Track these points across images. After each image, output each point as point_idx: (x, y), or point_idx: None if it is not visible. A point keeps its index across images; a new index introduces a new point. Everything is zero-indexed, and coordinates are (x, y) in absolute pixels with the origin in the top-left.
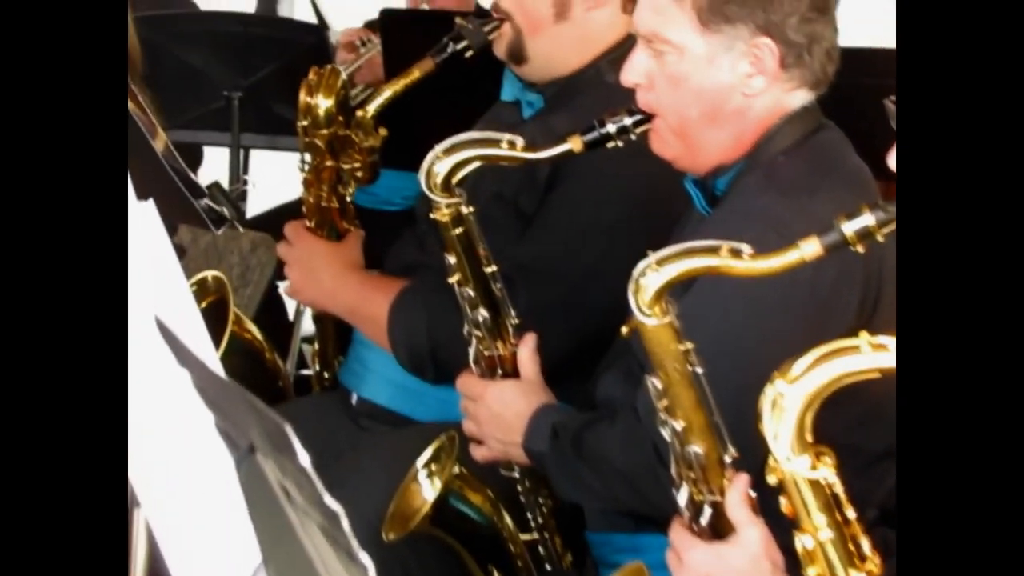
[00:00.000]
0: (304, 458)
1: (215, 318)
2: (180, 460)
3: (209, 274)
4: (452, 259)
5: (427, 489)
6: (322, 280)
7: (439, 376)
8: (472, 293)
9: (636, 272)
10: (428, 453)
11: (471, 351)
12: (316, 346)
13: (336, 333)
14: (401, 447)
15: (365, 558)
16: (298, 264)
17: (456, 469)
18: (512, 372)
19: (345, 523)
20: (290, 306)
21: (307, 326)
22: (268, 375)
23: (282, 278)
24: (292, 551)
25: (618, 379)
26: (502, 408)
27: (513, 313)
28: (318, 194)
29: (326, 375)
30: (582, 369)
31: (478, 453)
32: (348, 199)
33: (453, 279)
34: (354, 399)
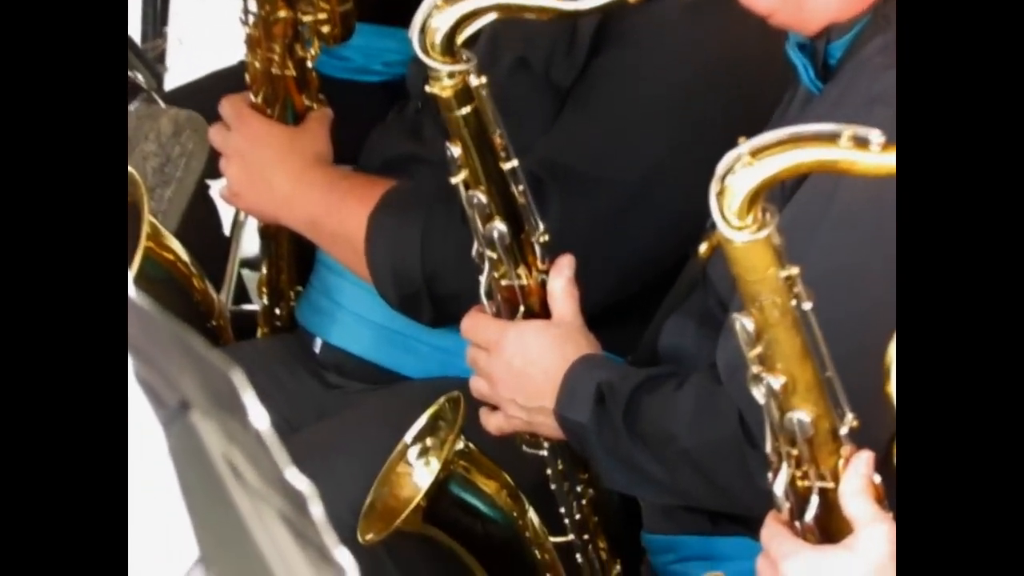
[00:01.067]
0: (259, 418)
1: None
2: None
3: None
4: (456, 151)
5: (420, 473)
6: (272, 180)
7: (437, 316)
8: (484, 199)
9: (721, 168)
10: (421, 423)
11: (482, 281)
12: (263, 272)
13: (292, 254)
14: (383, 415)
15: (343, 556)
16: (239, 157)
17: (460, 445)
18: (540, 310)
19: (315, 509)
20: (226, 216)
21: (250, 244)
22: (195, 310)
23: (216, 175)
24: (240, 546)
25: (688, 323)
26: (525, 360)
27: (541, 227)
28: (267, 57)
29: (278, 312)
30: (637, 308)
31: (491, 423)
32: (310, 65)
33: (458, 179)
34: (318, 346)
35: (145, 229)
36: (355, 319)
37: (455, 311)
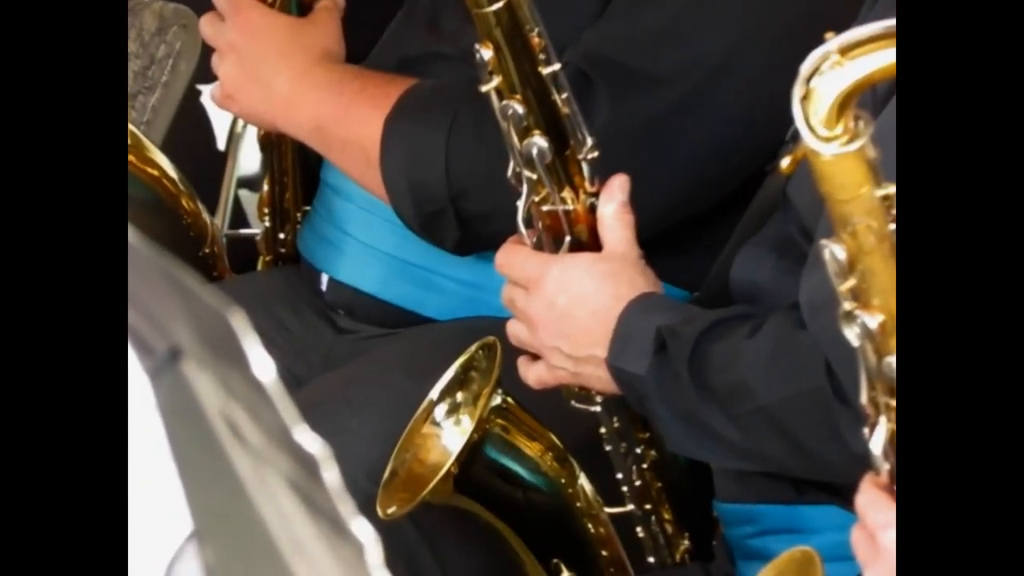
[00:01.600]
0: (263, 368)
1: None
2: None
3: None
4: (487, 54)
5: (450, 435)
6: (272, 79)
7: (465, 241)
8: (521, 109)
9: (806, 68)
10: (450, 374)
11: (520, 206)
12: (264, 189)
13: (298, 168)
14: (404, 364)
15: (363, 529)
16: (234, 52)
17: (497, 400)
18: (588, 240)
19: (329, 474)
20: (221, 125)
21: (249, 160)
22: (184, 236)
23: (208, 79)
24: (240, 518)
25: (766, 254)
26: (571, 300)
27: (589, 142)
28: None
29: (282, 236)
30: (703, 235)
31: (532, 374)
32: None
33: (489, 86)
34: (324, 283)
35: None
36: (366, 250)
37: (486, 235)
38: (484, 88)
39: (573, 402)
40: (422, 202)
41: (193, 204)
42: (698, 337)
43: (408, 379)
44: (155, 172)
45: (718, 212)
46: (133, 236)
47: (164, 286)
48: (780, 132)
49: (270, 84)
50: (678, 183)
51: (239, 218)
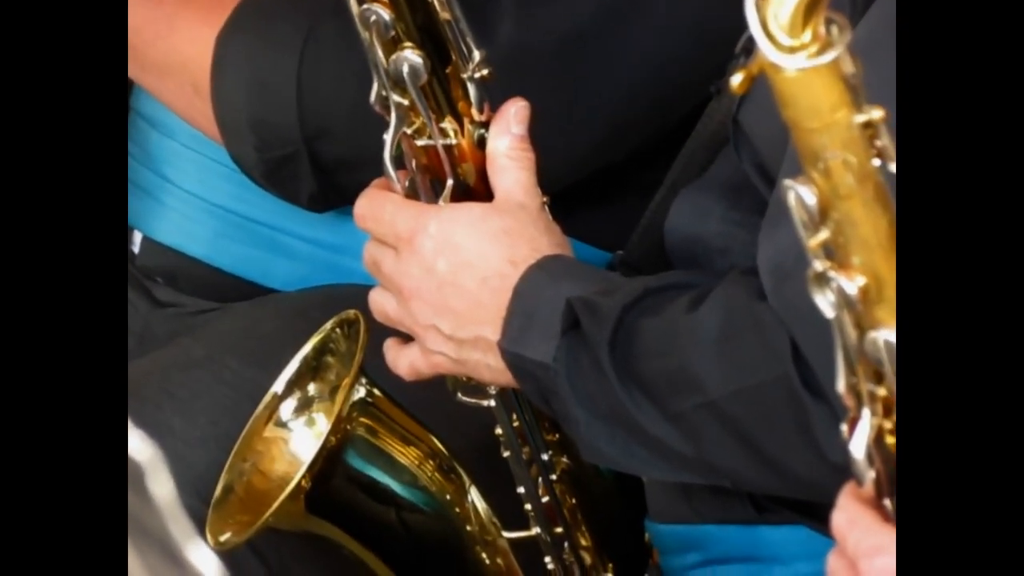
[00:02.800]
0: None
1: None
2: None
3: None
4: None
5: (300, 438)
6: None
7: (322, 193)
8: (387, 15)
9: None
10: (298, 360)
11: (387, 139)
12: None
13: None
14: (241, 348)
15: (202, 557)
16: None
17: (361, 392)
18: (477, 185)
19: (158, 487)
20: None
21: None
22: None
23: None
24: None
25: (712, 204)
26: (454, 265)
27: (477, 56)
28: None
29: None
30: (627, 183)
31: (402, 361)
32: None
33: None
34: (137, 243)
35: None
36: (192, 202)
37: (350, 186)
38: None
39: (460, 394)
40: (267, 145)
41: None
42: (622, 311)
43: (246, 366)
44: None
45: (647, 154)
46: None
47: None
48: (729, 42)
49: None
50: (599, 117)
51: None
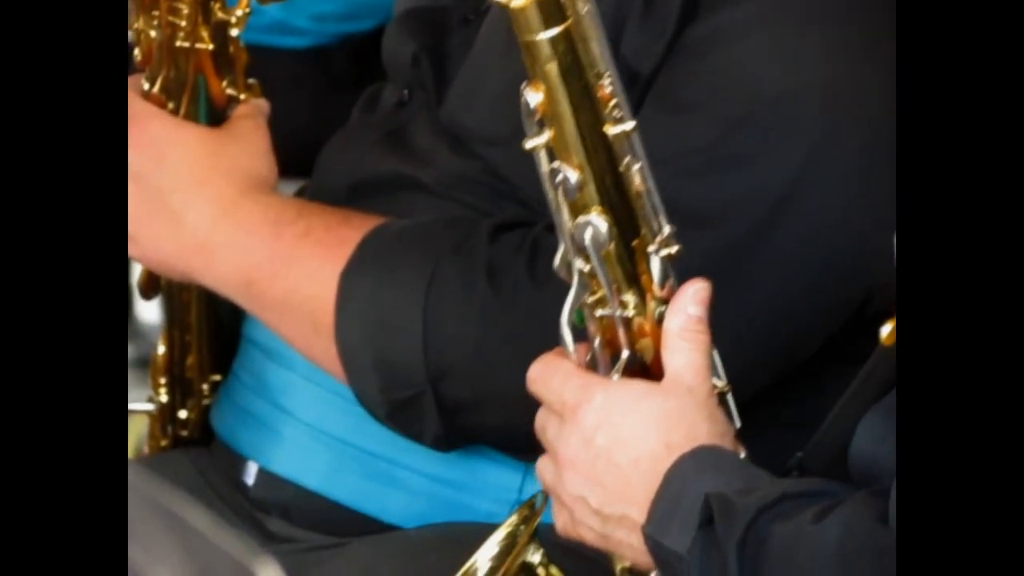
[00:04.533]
0: None
1: None
2: None
3: None
4: (536, 96)
5: None
6: (185, 214)
7: (448, 438)
8: (574, 177)
9: None
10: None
11: (567, 304)
12: (159, 354)
13: (207, 325)
14: None
15: None
16: (135, 183)
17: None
18: (654, 366)
19: None
20: None
21: (146, 310)
22: None
23: None
24: None
25: (890, 427)
26: (611, 440)
27: (666, 230)
28: (168, 21)
29: (183, 415)
30: (810, 376)
31: (559, 520)
32: (234, 33)
33: (537, 141)
34: (251, 475)
35: None
36: (310, 433)
37: (476, 427)
38: (530, 144)
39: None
40: (392, 386)
41: None
42: (756, 513)
43: None
44: None
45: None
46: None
47: (151, 519)
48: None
49: (182, 222)
50: (756, 335)
51: None
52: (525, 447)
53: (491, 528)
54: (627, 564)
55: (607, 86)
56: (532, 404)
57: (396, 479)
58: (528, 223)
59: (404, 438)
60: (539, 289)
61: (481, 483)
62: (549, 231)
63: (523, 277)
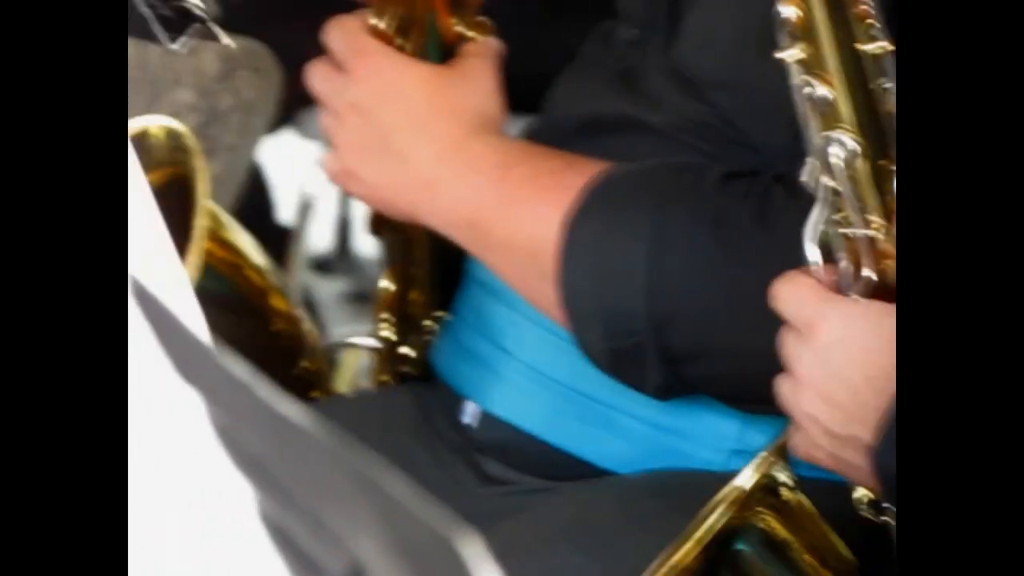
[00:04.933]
0: None
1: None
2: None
3: (154, 123)
4: (791, 10)
5: None
6: (411, 152)
7: (669, 384)
8: (827, 93)
9: None
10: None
11: (811, 219)
12: (384, 287)
13: (432, 262)
14: (570, 532)
15: None
16: (358, 114)
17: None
18: (888, 287)
19: None
20: (284, 189)
21: (319, 237)
22: (274, 345)
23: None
24: None
25: None
26: (847, 358)
27: None
28: None
29: (406, 351)
30: None
31: (794, 440)
32: None
33: (790, 53)
34: (472, 415)
35: (202, 222)
36: (531, 376)
37: (699, 377)
38: (782, 54)
39: (858, 506)
40: (615, 335)
41: (285, 304)
42: None
43: (574, 553)
44: (235, 260)
45: None
46: (312, 423)
47: (349, 486)
48: None
49: (407, 160)
50: None
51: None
52: (747, 398)
53: (705, 476)
54: (864, 493)
55: (864, 3)
56: (755, 355)
57: (615, 424)
58: (756, 172)
59: (630, 387)
60: (767, 238)
61: (700, 431)
62: (777, 181)
63: (750, 226)
